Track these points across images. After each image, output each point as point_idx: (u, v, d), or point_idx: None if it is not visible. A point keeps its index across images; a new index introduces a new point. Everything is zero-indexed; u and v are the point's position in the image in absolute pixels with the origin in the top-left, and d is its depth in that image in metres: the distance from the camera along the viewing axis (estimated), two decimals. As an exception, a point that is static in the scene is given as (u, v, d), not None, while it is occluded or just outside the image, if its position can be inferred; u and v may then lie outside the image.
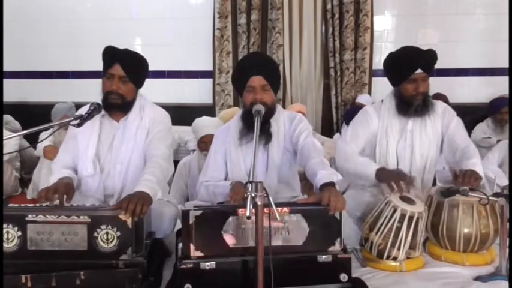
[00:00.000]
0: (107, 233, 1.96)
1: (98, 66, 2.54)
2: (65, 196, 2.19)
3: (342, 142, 2.87)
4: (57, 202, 2.16)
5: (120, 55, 2.41)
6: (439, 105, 2.79)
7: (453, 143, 2.68)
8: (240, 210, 1.96)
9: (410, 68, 2.65)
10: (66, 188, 2.25)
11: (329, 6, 5.16)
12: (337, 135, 4.79)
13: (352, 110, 4.47)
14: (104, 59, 2.43)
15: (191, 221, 1.95)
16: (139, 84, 2.50)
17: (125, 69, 2.38)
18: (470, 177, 2.34)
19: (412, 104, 2.68)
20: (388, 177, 2.48)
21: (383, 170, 2.57)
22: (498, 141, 4.23)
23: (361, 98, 5.21)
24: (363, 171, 2.61)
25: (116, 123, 2.49)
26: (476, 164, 2.44)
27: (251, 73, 2.38)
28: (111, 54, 2.41)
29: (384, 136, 2.74)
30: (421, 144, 2.71)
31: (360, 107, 4.06)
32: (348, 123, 4.40)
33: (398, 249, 2.29)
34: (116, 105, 2.42)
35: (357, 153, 2.73)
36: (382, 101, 2.84)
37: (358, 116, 2.87)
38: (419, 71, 2.63)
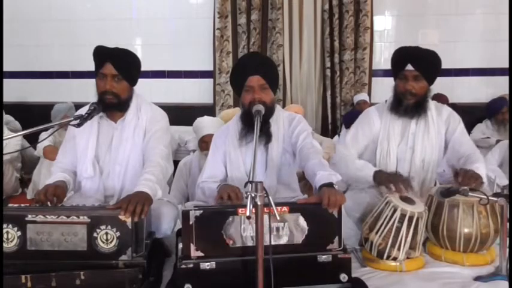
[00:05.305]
0: (106, 233, 1.96)
1: (98, 66, 2.53)
2: (54, 198, 2.21)
3: (341, 146, 2.84)
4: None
5: (110, 54, 2.38)
6: (444, 109, 2.76)
7: (458, 150, 2.64)
8: (240, 210, 1.96)
9: (400, 62, 2.65)
10: (56, 189, 2.25)
11: (329, 6, 5.16)
12: (335, 138, 4.79)
13: (351, 114, 4.47)
14: (95, 59, 2.41)
15: (191, 221, 1.95)
16: (132, 81, 2.47)
17: (117, 67, 2.35)
18: (471, 177, 2.33)
19: (401, 103, 2.66)
20: (386, 179, 2.48)
21: (381, 172, 2.56)
22: (497, 141, 4.24)
23: (359, 97, 5.22)
24: (360, 174, 2.60)
25: (113, 123, 2.47)
26: (479, 168, 2.42)
27: (249, 73, 2.37)
28: (102, 54, 2.39)
29: (385, 137, 2.72)
30: (423, 148, 2.68)
31: (359, 111, 4.05)
32: (347, 127, 4.42)
33: (398, 249, 2.29)
34: (113, 105, 2.40)
35: (356, 157, 2.70)
36: (386, 101, 2.82)
37: (361, 117, 2.85)
38: (409, 67, 2.60)
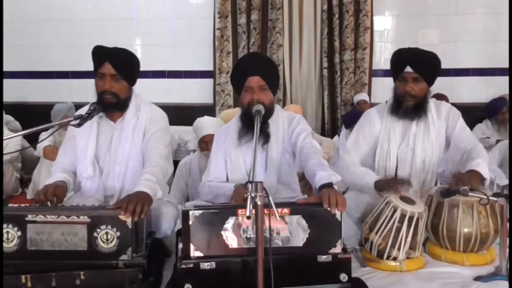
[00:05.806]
0: (106, 233, 1.96)
1: (98, 66, 2.53)
2: (54, 198, 2.21)
3: (343, 151, 2.82)
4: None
5: (109, 53, 2.38)
6: (443, 106, 2.75)
7: (460, 146, 2.64)
8: (240, 210, 1.96)
9: (399, 64, 2.65)
10: (56, 189, 2.25)
11: (329, 6, 5.16)
12: (335, 138, 4.79)
13: (350, 115, 4.47)
14: (94, 59, 2.41)
15: (191, 221, 1.95)
16: (131, 81, 2.47)
17: (116, 67, 2.35)
18: (463, 184, 2.32)
19: (401, 105, 2.66)
20: (387, 185, 2.48)
21: (381, 180, 2.55)
22: (497, 141, 4.24)
23: (359, 97, 5.22)
24: (361, 182, 2.60)
25: (113, 123, 2.48)
26: (479, 164, 2.42)
27: (249, 73, 2.37)
28: (100, 54, 2.39)
29: (386, 139, 2.72)
30: (423, 149, 2.68)
31: (359, 111, 4.06)
32: (347, 127, 4.42)
33: (399, 249, 2.29)
34: (112, 105, 2.40)
35: (357, 162, 2.70)
36: (386, 102, 2.81)
37: (361, 120, 2.84)
38: (408, 69, 2.60)
